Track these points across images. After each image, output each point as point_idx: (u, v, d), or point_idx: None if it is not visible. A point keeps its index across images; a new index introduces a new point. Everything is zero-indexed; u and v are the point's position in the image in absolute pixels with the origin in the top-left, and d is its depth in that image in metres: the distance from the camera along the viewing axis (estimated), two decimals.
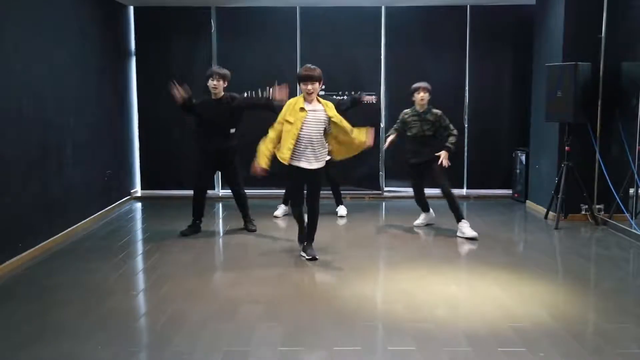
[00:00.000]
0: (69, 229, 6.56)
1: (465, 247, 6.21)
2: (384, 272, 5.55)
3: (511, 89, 8.95)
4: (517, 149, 8.66)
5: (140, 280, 5.25)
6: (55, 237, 6.21)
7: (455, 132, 6.54)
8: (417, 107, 6.59)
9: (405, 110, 6.71)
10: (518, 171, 8.60)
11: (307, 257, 5.57)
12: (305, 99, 5.33)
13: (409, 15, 8.80)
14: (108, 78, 7.98)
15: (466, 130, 8.91)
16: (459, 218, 6.45)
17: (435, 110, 6.56)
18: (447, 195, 6.45)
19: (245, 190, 6.78)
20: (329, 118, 5.32)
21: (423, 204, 6.94)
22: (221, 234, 6.82)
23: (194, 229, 6.60)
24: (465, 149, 8.94)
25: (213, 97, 6.42)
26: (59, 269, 5.41)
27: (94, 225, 7.08)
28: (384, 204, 8.71)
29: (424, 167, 6.60)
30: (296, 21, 8.83)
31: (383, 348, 3.79)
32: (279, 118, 5.37)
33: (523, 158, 8.44)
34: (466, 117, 8.89)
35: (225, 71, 6.48)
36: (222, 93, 6.44)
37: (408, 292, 4.75)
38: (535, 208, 7.93)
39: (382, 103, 8.96)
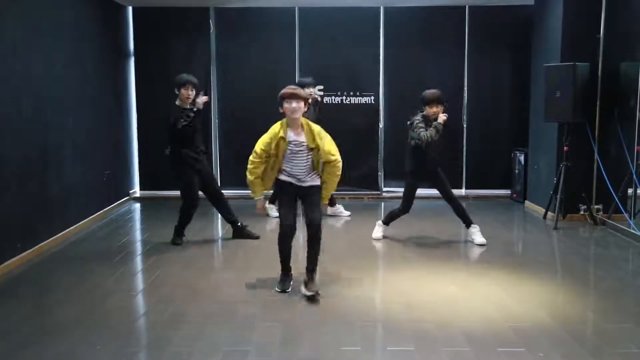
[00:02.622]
0: (68, 229, 6.56)
1: (464, 248, 6.22)
2: (383, 272, 5.55)
3: (510, 89, 8.96)
4: (515, 149, 8.66)
5: (139, 280, 5.24)
6: (54, 237, 6.21)
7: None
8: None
9: (418, 118, 6.00)
10: (517, 171, 8.61)
11: (307, 294, 4.58)
12: (288, 125, 4.63)
13: (407, 15, 8.81)
14: (107, 78, 7.98)
15: (465, 130, 8.93)
16: (468, 224, 6.25)
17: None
18: (454, 200, 6.17)
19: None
20: (310, 149, 4.63)
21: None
22: (220, 234, 6.82)
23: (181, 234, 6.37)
24: (464, 149, 8.96)
25: (189, 106, 6.04)
26: (58, 269, 5.41)
27: (93, 226, 7.08)
28: (382, 204, 8.71)
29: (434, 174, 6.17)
30: (295, 22, 8.83)
31: (382, 348, 3.79)
32: (261, 147, 4.65)
33: (522, 158, 8.45)
34: (465, 117, 8.90)
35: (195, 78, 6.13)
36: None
37: (407, 292, 4.75)
38: (534, 208, 7.94)
39: (381, 103, 8.96)
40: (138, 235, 6.83)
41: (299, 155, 4.64)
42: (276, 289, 4.78)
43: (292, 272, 4.93)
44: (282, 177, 4.72)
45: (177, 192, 6.38)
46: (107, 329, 4.01)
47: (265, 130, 4.79)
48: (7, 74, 5.38)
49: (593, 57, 7.02)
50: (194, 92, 6.03)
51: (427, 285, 4.95)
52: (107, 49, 7.97)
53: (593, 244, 6.49)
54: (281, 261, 4.88)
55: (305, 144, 4.62)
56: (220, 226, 7.25)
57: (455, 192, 6.30)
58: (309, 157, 4.66)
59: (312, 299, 4.52)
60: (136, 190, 9.02)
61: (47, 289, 4.85)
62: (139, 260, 5.84)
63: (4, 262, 5.25)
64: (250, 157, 4.70)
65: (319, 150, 4.60)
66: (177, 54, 8.89)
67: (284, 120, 4.67)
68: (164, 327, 4.04)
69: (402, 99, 8.84)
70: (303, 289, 4.64)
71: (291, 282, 4.87)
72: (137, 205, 8.51)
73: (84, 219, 7.01)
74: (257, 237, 6.40)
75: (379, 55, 8.91)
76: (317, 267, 4.76)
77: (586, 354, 3.62)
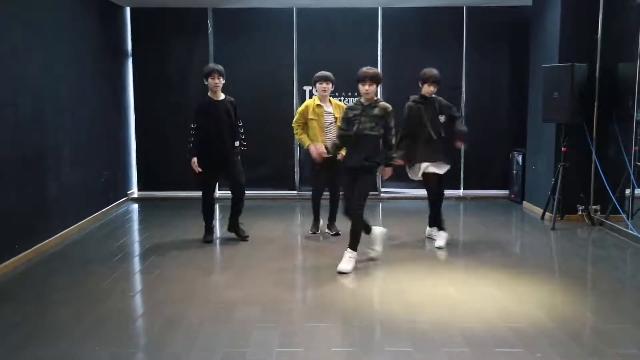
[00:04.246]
0: (66, 230, 6.55)
1: (462, 248, 6.22)
2: (381, 273, 5.54)
3: (508, 89, 8.97)
4: (514, 149, 8.67)
5: (137, 281, 5.24)
6: (52, 238, 6.20)
7: (393, 141, 5.41)
8: (362, 100, 5.41)
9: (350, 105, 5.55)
10: (515, 172, 8.62)
11: (331, 233, 6.60)
12: (320, 99, 6.33)
13: (405, 16, 8.82)
14: (105, 79, 7.98)
15: None
16: (351, 246, 5.40)
17: (383, 104, 5.36)
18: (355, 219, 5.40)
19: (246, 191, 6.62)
20: (335, 118, 6.30)
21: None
22: (218, 235, 6.81)
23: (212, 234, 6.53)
24: (462, 149, 8.93)
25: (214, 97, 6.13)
26: (56, 270, 5.40)
27: (91, 227, 7.07)
28: (380, 204, 8.71)
29: (355, 175, 5.38)
30: (293, 22, 8.84)
31: (380, 349, 3.79)
32: (295, 117, 6.46)
33: (520, 159, 8.46)
34: (462, 118, 8.89)
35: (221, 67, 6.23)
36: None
37: (405, 293, 4.76)
38: (532, 209, 7.94)
39: None
40: (136, 236, 6.83)
41: (331, 126, 6.31)
42: (310, 231, 6.62)
43: (320, 220, 6.65)
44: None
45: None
46: (105, 330, 4.01)
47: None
48: (5, 75, 5.37)
49: (591, 57, 7.03)
50: (221, 79, 6.08)
51: (425, 286, 4.95)
52: (105, 49, 7.97)
53: (591, 244, 6.49)
54: (313, 212, 6.65)
55: (332, 113, 6.33)
56: (218, 227, 7.25)
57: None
58: (334, 122, 6.29)
59: (336, 235, 6.50)
60: (134, 191, 9.02)
61: (45, 290, 4.84)
62: (137, 261, 5.83)
63: (2, 262, 5.24)
64: (296, 127, 6.43)
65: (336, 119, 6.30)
66: (175, 54, 8.90)
67: (316, 96, 6.41)
68: (162, 328, 4.04)
69: (400, 100, 8.83)
70: (327, 231, 6.67)
71: (319, 227, 6.64)
72: (135, 206, 8.50)
73: (82, 220, 7.01)
74: (245, 237, 6.44)
75: (377, 56, 8.91)
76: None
77: (584, 354, 3.62)
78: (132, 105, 8.96)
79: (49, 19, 6.31)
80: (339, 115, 6.19)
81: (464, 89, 8.91)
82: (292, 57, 8.86)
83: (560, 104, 6.85)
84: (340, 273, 5.20)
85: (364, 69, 5.35)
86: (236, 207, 6.42)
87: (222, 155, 6.15)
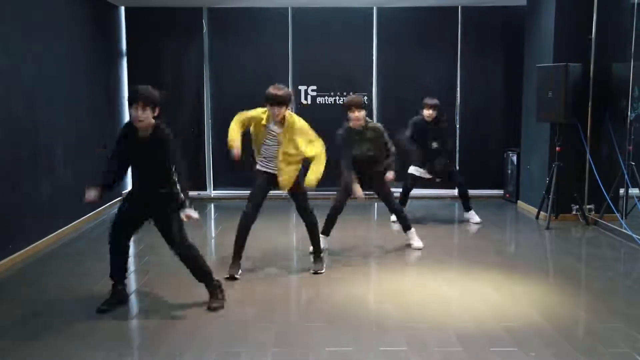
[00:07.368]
0: (60, 230, 6.53)
1: (457, 248, 6.23)
2: (376, 273, 5.56)
3: (502, 89, 8.98)
4: (508, 149, 8.69)
5: (132, 280, 5.22)
6: (46, 238, 6.18)
7: (393, 149, 5.98)
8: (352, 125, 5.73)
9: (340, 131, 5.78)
10: (509, 171, 8.64)
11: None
12: (270, 117, 5.07)
13: (400, 16, 8.82)
14: (99, 79, 7.96)
15: (458, 130, 8.94)
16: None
17: (375, 125, 5.88)
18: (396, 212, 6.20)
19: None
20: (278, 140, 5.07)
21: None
22: (213, 235, 6.81)
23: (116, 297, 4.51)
24: (457, 149, 8.97)
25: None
26: (50, 270, 5.39)
27: (85, 226, 7.05)
28: (376, 204, 8.71)
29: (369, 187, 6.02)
30: (288, 22, 8.83)
31: (375, 348, 3.79)
32: (246, 116, 5.21)
33: (514, 158, 8.48)
34: (458, 117, 8.92)
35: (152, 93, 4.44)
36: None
37: (400, 292, 4.77)
38: (527, 208, 7.96)
39: (374, 104, 8.98)
40: None
41: (271, 148, 5.13)
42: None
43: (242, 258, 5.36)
44: (258, 167, 5.26)
45: None
46: (99, 330, 4.00)
47: None
48: None
49: (585, 57, 7.05)
50: (148, 111, 4.40)
51: (419, 285, 4.96)
52: (99, 49, 7.95)
53: (585, 244, 6.52)
54: (235, 248, 5.31)
55: (277, 136, 5.08)
56: (213, 227, 7.24)
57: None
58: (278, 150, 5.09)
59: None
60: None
61: (40, 290, 4.84)
62: (131, 261, 5.78)
63: None
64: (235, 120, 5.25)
65: (293, 143, 5.05)
66: (170, 54, 8.88)
67: (269, 112, 5.07)
68: (157, 328, 4.04)
69: (395, 99, 8.86)
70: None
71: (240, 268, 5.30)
72: None
73: (77, 219, 6.99)
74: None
75: (372, 56, 8.92)
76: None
77: (577, 353, 3.64)
78: (126, 104, 8.92)
79: (43, 18, 6.29)
80: (285, 139, 5.04)
81: (458, 89, 8.92)
82: (287, 57, 8.85)
83: (554, 103, 6.87)
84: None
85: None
86: (190, 269, 4.54)
87: (146, 205, 4.49)
